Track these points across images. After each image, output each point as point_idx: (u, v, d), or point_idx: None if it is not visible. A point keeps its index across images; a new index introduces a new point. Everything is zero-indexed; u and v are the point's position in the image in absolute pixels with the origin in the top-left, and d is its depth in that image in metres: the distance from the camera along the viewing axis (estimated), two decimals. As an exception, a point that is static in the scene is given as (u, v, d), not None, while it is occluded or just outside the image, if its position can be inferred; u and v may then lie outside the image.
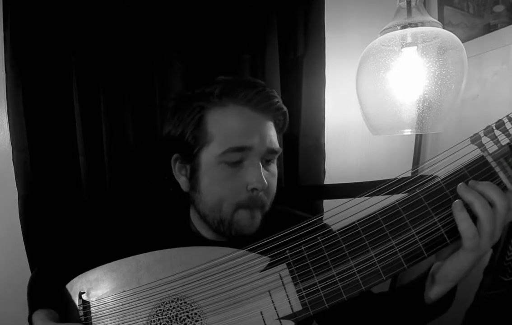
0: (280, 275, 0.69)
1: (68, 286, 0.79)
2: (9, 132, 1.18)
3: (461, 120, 1.30)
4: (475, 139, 0.63)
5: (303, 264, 0.68)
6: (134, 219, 1.01)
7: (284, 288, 0.68)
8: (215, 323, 0.69)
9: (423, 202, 0.65)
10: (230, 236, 0.84)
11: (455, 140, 0.65)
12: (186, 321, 0.70)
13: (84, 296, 0.76)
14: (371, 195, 0.68)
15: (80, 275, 0.78)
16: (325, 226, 0.72)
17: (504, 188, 0.62)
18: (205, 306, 0.70)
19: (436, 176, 0.66)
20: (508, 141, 0.62)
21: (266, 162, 0.85)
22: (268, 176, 0.84)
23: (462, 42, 1.06)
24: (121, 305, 0.74)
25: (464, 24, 1.30)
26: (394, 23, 1.08)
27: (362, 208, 0.68)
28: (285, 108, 0.89)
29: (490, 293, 0.92)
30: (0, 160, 1.23)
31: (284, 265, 0.69)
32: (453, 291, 0.70)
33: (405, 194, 0.67)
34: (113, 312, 0.74)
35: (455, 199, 0.62)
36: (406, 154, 1.49)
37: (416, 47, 1.08)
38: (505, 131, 0.62)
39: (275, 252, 0.69)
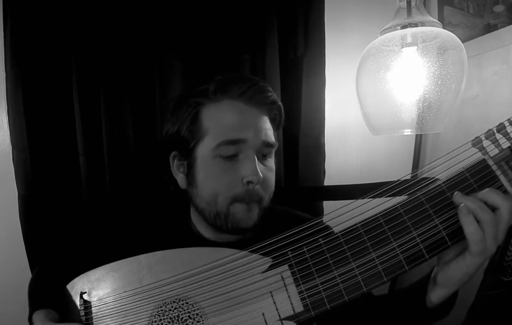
0: (282, 276, 0.69)
1: (69, 286, 0.79)
2: (9, 132, 1.18)
3: (461, 120, 1.30)
4: (476, 142, 0.64)
5: (305, 265, 0.68)
6: (135, 219, 1.02)
7: (286, 289, 0.68)
8: (217, 324, 0.69)
9: (424, 205, 0.65)
10: (227, 230, 0.84)
11: (455, 140, 0.65)
12: (187, 321, 0.70)
13: (85, 296, 0.77)
14: (373, 197, 0.68)
15: (81, 275, 0.79)
16: (326, 227, 0.72)
17: (504, 191, 0.62)
18: (206, 306, 0.70)
19: (437, 179, 0.66)
20: (509, 144, 0.63)
21: (263, 157, 0.86)
22: (265, 171, 0.84)
23: (462, 42, 1.06)
24: (123, 305, 0.74)
25: (464, 24, 1.31)
26: (394, 23, 1.08)
27: (364, 210, 0.68)
28: (279, 102, 0.89)
29: (490, 293, 0.93)
30: (0, 160, 1.22)
31: (286, 266, 0.69)
32: (454, 294, 0.70)
33: (407, 196, 0.67)
34: (114, 312, 0.74)
35: None
36: (406, 154, 1.49)
37: (416, 47, 1.09)
38: (506, 134, 0.62)
39: (277, 254, 0.69)
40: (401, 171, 0.71)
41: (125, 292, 0.74)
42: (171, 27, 1.20)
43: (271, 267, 0.70)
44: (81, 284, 0.78)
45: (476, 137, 0.64)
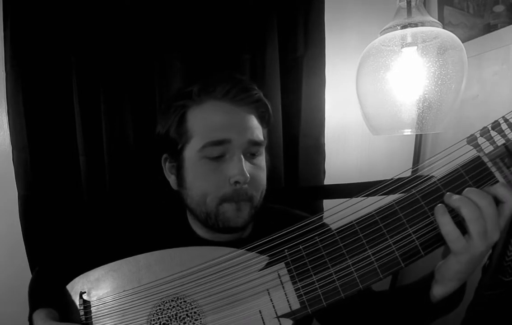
0: (278, 274, 0.69)
1: (69, 286, 0.79)
2: (9, 132, 1.18)
3: (461, 120, 1.30)
4: (471, 139, 0.64)
5: (301, 263, 0.68)
6: (134, 219, 1.02)
7: (283, 287, 0.68)
8: (214, 321, 0.69)
9: (419, 202, 0.65)
10: (218, 229, 0.84)
11: (455, 140, 0.65)
12: (185, 320, 0.70)
13: (85, 296, 0.77)
14: (368, 195, 0.69)
15: (81, 275, 0.79)
16: (323, 225, 0.72)
17: None
18: (204, 305, 0.70)
19: (432, 176, 0.66)
20: (503, 141, 0.63)
21: (251, 155, 0.86)
22: (253, 169, 0.84)
23: (462, 42, 1.06)
24: (121, 304, 0.74)
25: (464, 24, 1.30)
26: (394, 23, 1.08)
27: (360, 208, 0.68)
28: (265, 100, 0.89)
29: (490, 293, 0.92)
30: (0, 160, 1.23)
31: (282, 264, 0.69)
32: (461, 291, 0.70)
33: (402, 194, 0.67)
34: (113, 311, 0.74)
35: None
36: (406, 154, 1.49)
37: (416, 47, 1.08)
38: (500, 132, 0.62)
39: (274, 252, 0.69)
40: (401, 171, 0.71)
41: (124, 291, 0.74)
42: (171, 27, 1.20)
43: (268, 265, 0.70)
44: (81, 284, 0.78)
45: (471, 135, 0.64)
